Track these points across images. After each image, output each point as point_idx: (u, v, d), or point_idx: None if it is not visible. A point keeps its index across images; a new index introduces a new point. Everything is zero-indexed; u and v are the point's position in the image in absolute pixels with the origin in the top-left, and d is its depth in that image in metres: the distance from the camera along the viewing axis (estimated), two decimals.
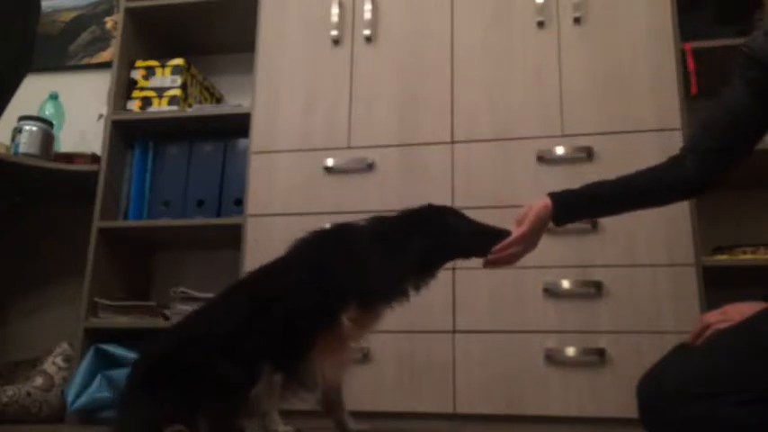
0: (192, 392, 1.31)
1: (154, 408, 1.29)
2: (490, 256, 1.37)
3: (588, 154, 1.92)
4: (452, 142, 2.03)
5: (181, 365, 1.32)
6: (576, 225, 1.87)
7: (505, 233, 1.37)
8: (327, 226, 1.56)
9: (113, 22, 2.83)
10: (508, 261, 1.38)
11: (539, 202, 1.35)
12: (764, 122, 1.27)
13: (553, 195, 1.36)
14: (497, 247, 1.36)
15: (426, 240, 1.40)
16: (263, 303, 1.38)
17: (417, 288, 1.43)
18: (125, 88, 2.40)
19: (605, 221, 1.87)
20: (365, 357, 1.90)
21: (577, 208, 1.37)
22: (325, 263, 1.41)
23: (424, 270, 1.43)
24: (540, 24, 2.05)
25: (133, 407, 1.33)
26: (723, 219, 2.06)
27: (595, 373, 1.79)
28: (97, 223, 2.23)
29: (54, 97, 2.61)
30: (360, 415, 1.60)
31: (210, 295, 2.16)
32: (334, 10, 2.19)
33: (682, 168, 1.32)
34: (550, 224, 1.37)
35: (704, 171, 1.31)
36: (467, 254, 1.48)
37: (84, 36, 2.87)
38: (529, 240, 1.36)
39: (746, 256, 1.87)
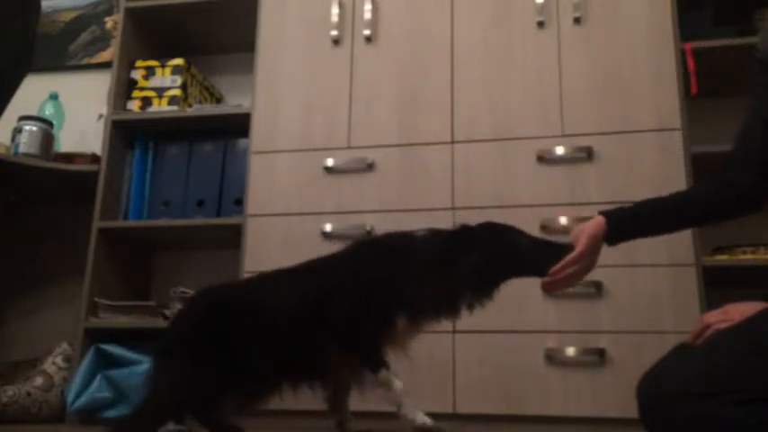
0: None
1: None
2: (547, 279, 1.32)
3: (588, 154, 1.92)
4: (452, 142, 2.03)
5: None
6: (577, 225, 1.87)
7: (567, 249, 1.31)
8: (383, 233, 1.54)
9: (113, 22, 2.83)
10: (567, 283, 1.33)
11: (591, 222, 1.31)
12: None
13: (605, 213, 1.31)
14: (555, 267, 1.30)
15: (484, 257, 1.37)
16: (318, 300, 1.39)
17: (471, 307, 1.40)
18: (125, 88, 2.40)
19: None
20: None
21: (631, 226, 1.32)
22: (380, 270, 1.41)
23: (479, 288, 1.40)
24: (540, 24, 2.05)
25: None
26: None
27: (595, 373, 1.79)
28: (97, 223, 2.23)
29: (54, 97, 2.61)
30: (360, 415, 1.60)
31: None
32: (334, 10, 2.19)
33: (736, 183, 1.27)
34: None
35: (759, 183, 1.26)
36: (525, 272, 1.41)
37: (84, 36, 2.88)
38: (586, 259, 1.30)
39: (746, 256, 1.87)
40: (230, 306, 1.43)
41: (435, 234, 1.44)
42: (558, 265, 1.30)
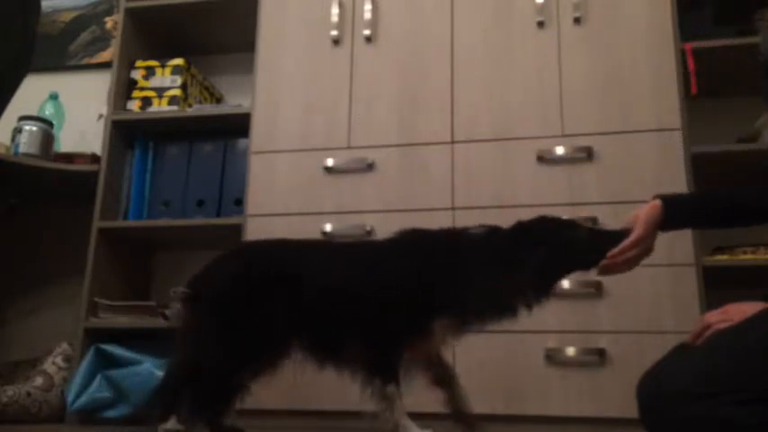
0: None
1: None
2: (604, 262, 1.31)
3: (588, 154, 1.92)
4: (452, 142, 2.03)
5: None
6: None
7: (624, 235, 1.30)
8: (438, 227, 1.47)
9: (113, 22, 2.83)
10: (624, 267, 1.32)
11: (647, 206, 1.29)
12: None
13: (662, 197, 1.30)
14: (614, 251, 1.29)
15: (546, 253, 1.34)
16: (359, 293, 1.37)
17: (530, 306, 1.36)
18: (125, 88, 2.40)
19: (605, 221, 1.87)
20: None
21: (687, 213, 1.31)
22: (427, 266, 1.37)
23: (540, 286, 1.36)
24: (540, 24, 2.05)
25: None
26: None
27: (595, 373, 1.79)
28: (97, 223, 2.23)
29: (54, 97, 2.61)
30: (360, 415, 1.60)
31: None
32: (334, 10, 2.19)
33: None
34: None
35: None
36: (585, 265, 1.38)
37: (84, 36, 2.88)
38: (644, 243, 1.29)
39: (746, 256, 1.87)
40: (268, 268, 1.42)
41: (492, 231, 1.40)
42: (617, 249, 1.29)
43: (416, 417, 1.63)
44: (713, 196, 1.32)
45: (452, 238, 1.42)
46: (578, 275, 1.84)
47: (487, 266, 1.35)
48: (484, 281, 1.34)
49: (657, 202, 1.29)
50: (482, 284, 1.34)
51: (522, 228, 1.39)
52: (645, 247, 1.31)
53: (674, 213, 1.29)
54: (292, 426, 1.85)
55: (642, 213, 1.29)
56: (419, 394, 1.84)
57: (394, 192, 2.03)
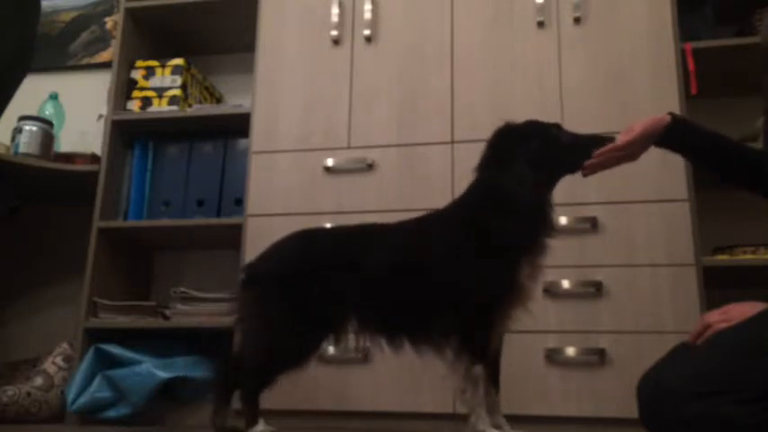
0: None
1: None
2: (589, 161, 1.34)
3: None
4: (452, 142, 2.03)
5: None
6: (576, 225, 1.88)
7: (608, 139, 1.34)
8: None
9: (113, 22, 2.83)
10: (605, 164, 1.35)
11: (653, 117, 1.32)
12: None
13: (674, 115, 1.33)
14: (601, 150, 1.32)
15: (534, 145, 1.35)
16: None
17: (542, 200, 1.37)
18: (125, 88, 2.39)
19: (605, 221, 1.87)
20: (365, 357, 1.90)
21: (692, 140, 1.34)
22: (480, 220, 1.34)
23: (539, 178, 1.36)
24: (540, 24, 2.05)
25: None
26: (723, 219, 2.06)
27: (595, 373, 1.79)
28: (97, 223, 2.23)
29: (54, 97, 2.61)
30: (360, 415, 1.60)
31: (211, 295, 2.17)
32: (334, 10, 2.19)
33: None
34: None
35: None
36: (573, 161, 1.39)
37: (84, 36, 2.87)
38: (634, 148, 1.33)
39: (746, 256, 1.87)
40: (337, 248, 1.41)
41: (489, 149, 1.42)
42: (606, 148, 1.32)
43: (418, 417, 1.64)
44: (725, 141, 1.34)
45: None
46: (578, 275, 1.85)
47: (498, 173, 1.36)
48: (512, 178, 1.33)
49: (667, 116, 1.32)
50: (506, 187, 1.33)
51: (511, 129, 1.41)
52: (630, 152, 1.34)
53: (679, 133, 1.32)
54: (292, 426, 1.85)
55: (643, 122, 1.32)
56: (418, 394, 1.85)
57: (394, 192, 2.03)
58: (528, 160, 1.35)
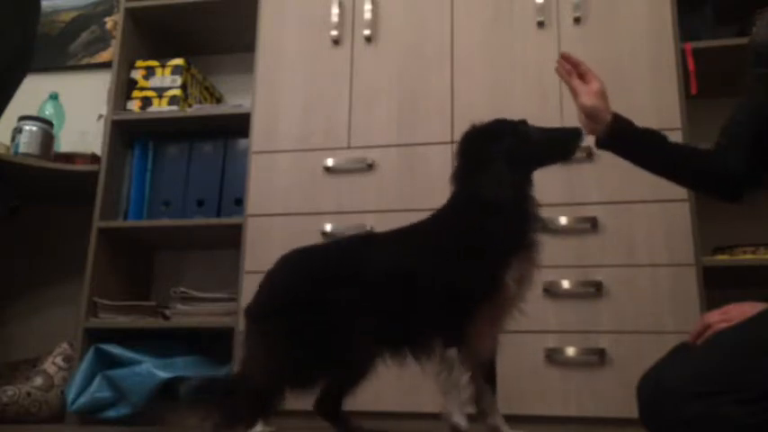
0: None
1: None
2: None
3: (588, 154, 1.91)
4: (452, 142, 2.03)
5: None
6: (577, 225, 1.88)
7: (576, 131, 1.39)
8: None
9: (113, 22, 2.83)
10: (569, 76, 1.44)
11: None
12: None
13: (615, 114, 1.37)
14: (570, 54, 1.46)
15: (506, 143, 1.37)
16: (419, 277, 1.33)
17: (523, 198, 1.36)
18: (125, 88, 2.40)
19: (605, 221, 1.87)
20: None
21: (628, 134, 1.37)
22: (469, 222, 1.34)
23: (516, 174, 1.36)
24: (540, 24, 2.05)
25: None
26: (723, 219, 2.06)
27: (595, 373, 1.79)
28: (97, 223, 2.23)
29: (54, 97, 2.61)
30: (360, 415, 1.60)
31: (211, 295, 2.17)
32: (335, 10, 2.19)
33: (724, 163, 1.32)
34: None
35: (745, 169, 1.30)
36: (545, 159, 1.43)
37: (84, 36, 2.88)
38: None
39: (746, 256, 1.87)
40: (328, 268, 1.40)
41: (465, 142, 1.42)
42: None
43: (418, 417, 1.63)
44: (661, 139, 1.38)
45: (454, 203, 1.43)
46: (578, 275, 1.85)
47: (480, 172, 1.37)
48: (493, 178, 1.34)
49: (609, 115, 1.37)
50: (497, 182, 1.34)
51: (480, 131, 1.42)
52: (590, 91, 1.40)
53: (618, 128, 1.36)
54: (292, 426, 1.85)
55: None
56: (418, 394, 1.85)
57: (394, 192, 2.03)
58: (503, 159, 1.35)
